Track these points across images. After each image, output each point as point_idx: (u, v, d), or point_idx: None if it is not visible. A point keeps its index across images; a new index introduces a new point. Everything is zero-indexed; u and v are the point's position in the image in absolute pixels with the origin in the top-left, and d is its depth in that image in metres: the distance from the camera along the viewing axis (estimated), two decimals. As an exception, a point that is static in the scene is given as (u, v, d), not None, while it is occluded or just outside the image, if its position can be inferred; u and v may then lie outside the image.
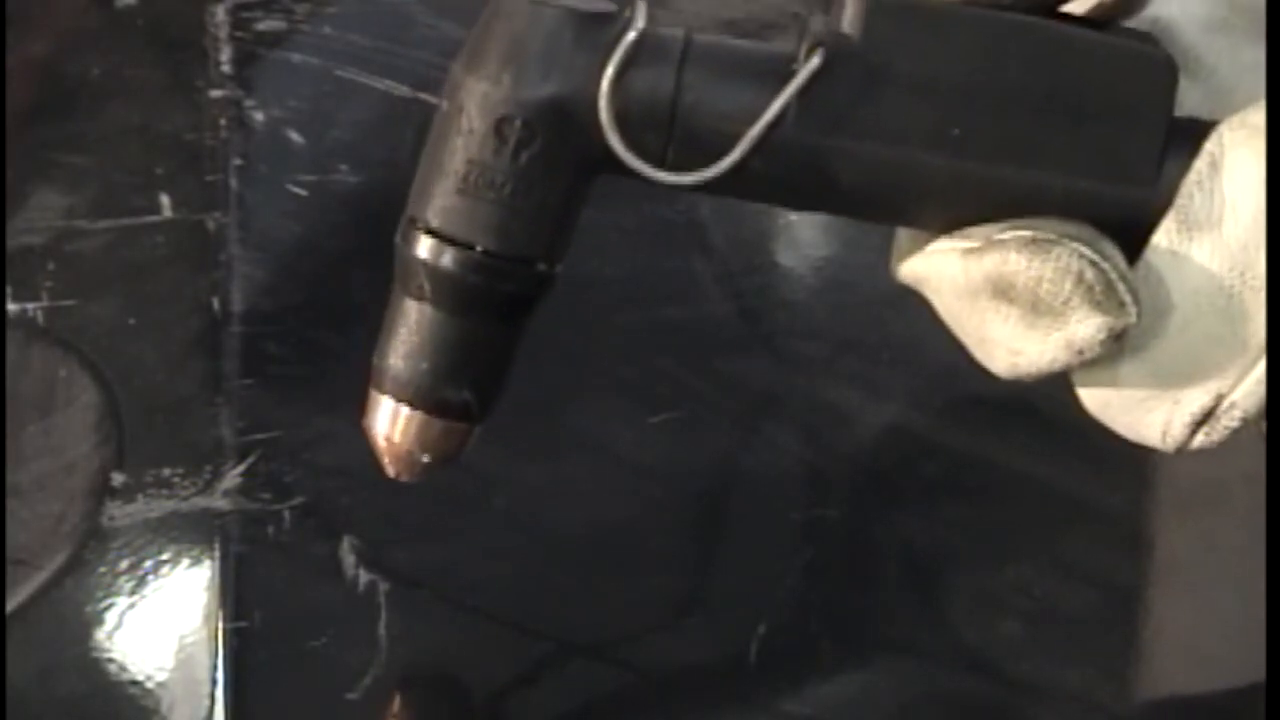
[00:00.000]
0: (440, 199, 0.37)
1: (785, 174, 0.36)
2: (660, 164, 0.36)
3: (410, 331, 0.38)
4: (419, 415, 0.39)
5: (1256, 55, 0.37)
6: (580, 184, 0.37)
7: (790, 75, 0.35)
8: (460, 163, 0.37)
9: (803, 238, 0.57)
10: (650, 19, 0.36)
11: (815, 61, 0.35)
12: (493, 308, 0.38)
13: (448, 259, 0.37)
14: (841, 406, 0.52)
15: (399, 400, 0.39)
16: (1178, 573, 0.48)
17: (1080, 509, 0.49)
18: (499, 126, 0.36)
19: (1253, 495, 0.48)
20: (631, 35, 0.36)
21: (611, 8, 0.37)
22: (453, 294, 0.37)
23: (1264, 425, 0.36)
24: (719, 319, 0.54)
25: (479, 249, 0.37)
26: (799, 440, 0.51)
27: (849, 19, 0.35)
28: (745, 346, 0.54)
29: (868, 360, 0.53)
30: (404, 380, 0.38)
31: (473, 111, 0.36)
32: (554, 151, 0.36)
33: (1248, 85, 0.37)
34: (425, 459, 0.39)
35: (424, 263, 0.37)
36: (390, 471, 0.40)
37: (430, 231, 0.37)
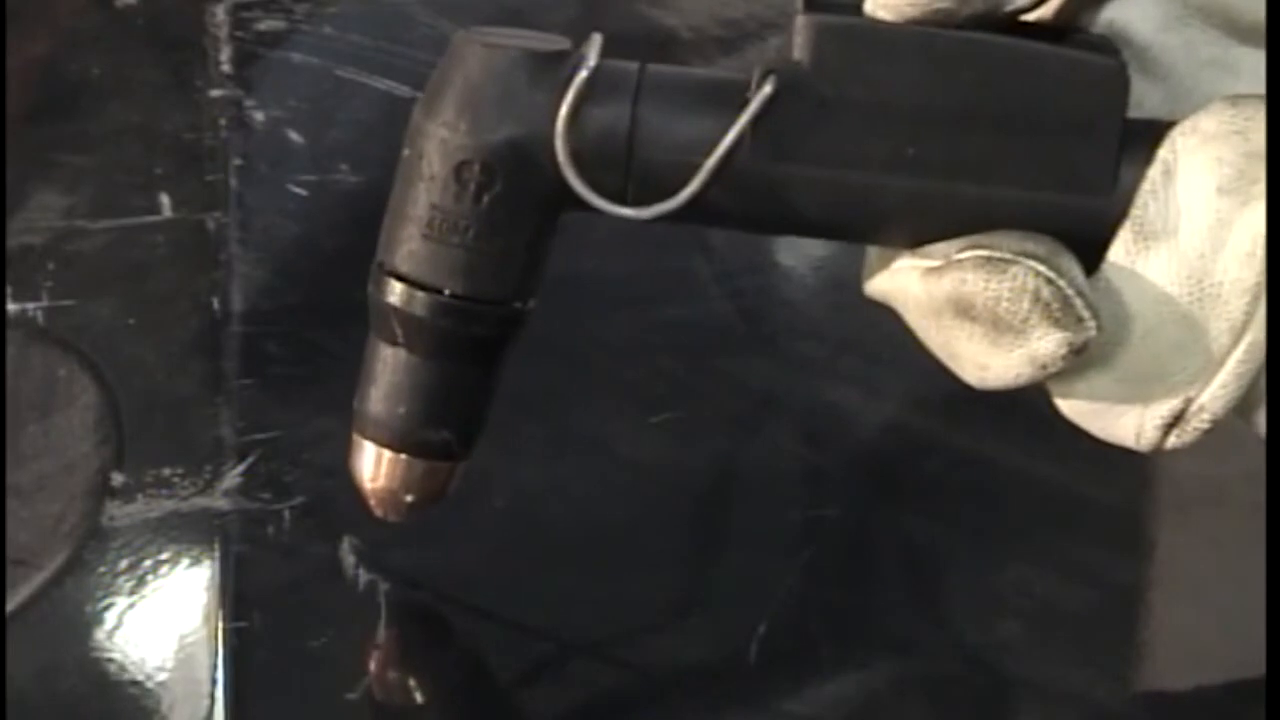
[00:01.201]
0: (407, 245, 0.37)
1: (745, 202, 0.36)
2: (620, 199, 0.36)
3: (386, 376, 0.39)
4: (401, 458, 0.39)
5: (1213, 52, 0.37)
6: (544, 223, 0.38)
7: (744, 104, 0.35)
8: (423, 208, 0.37)
9: (803, 238, 0.57)
10: (610, 51, 0.36)
11: (767, 89, 0.35)
12: (465, 349, 0.38)
13: (417, 304, 0.37)
14: (841, 406, 0.52)
15: (380, 444, 0.39)
16: (1178, 572, 0.48)
17: (1080, 508, 0.49)
18: (459, 171, 0.36)
19: (1253, 494, 0.48)
20: (584, 74, 0.36)
21: (566, 45, 0.37)
22: (425, 338, 0.38)
23: (1263, 424, 0.36)
24: (719, 319, 0.54)
25: (447, 293, 0.37)
26: (799, 440, 0.51)
27: (799, 45, 0.36)
28: (745, 346, 0.54)
29: (868, 360, 0.53)
30: (383, 424, 0.39)
31: (433, 157, 0.37)
32: (515, 193, 0.37)
33: (1206, 83, 0.37)
34: (409, 499, 0.40)
35: (395, 308, 0.38)
36: (377, 513, 0.40)
37: (399, 277, 0.37)
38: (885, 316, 0.39)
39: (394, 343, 0.38)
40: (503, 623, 0.44)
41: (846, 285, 0.55)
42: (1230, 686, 0.45)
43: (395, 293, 0.37)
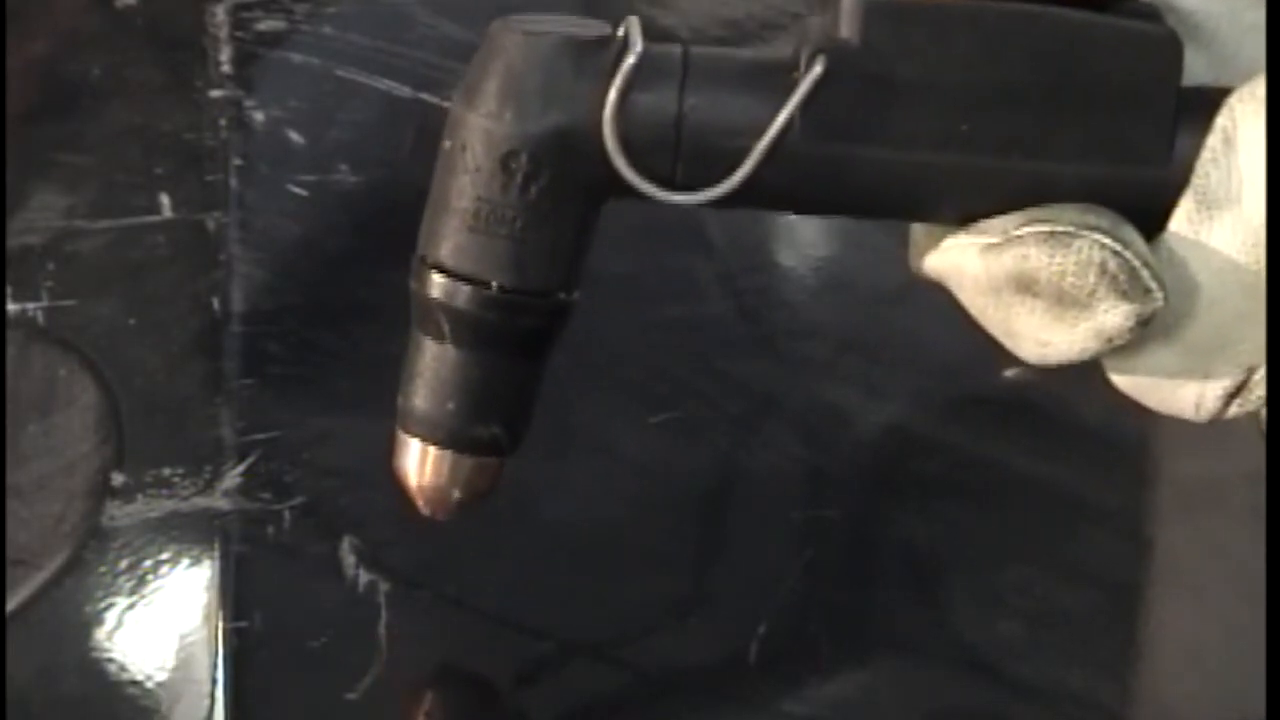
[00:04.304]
0: (451, 238, 0.37)
1: (795, 184, 0.36)
2: (669, 185, 0.36)
3: (432, 372, 0.38)
4: (449, 455, 0.39)
5: (1256, 17, 0.37)
6: (591, 211, 0.37)
7: (792, 85, 0.35)
8: (469, 200, 0.36)
9: (803, 238, 0.57)
10: (647, 37, 0.36)
11: (817, 69, 0.35)
12: (513, 342, 0.38)
13: (463, 298, 0.37)
14: (841, 406, 0.52)
15: (427, 441, 0.39)
16: (1178, 573, 0.48)
17: (1080, 509, 0.49)
18: (505, 162, 0.36)
19: (1253, 495, 0.48)
20: (631, 59, 0.36)
21: (607, 29, 0.37)
22: (471, 332, 0.37)
23: (1264, 423, 0.36)
24: (719, 319, 0.54)
25: (494, 286, 0.37)
26: (799, 440, 0.50)
27: (846, 23, 0.35)
28: (745, 346, 0.54)
29: (868, 360, 0.53)
30: (431, 421, 0.38)
31: (477, 149, 0.36)
32: (562, 182, 0.36)
33: (1250, 48, 0.37)
34: (458, 496, 0.39)
35: (439, 303, 0.37)
36: (425, 511, 0.40)
37: (443, 271, 0.37)
38: (885, 316, 0.39)
39: (439, 338, 0.38)
40: (503, 623, 0.44)
41: (846, 285, 0.56)
42: (1230, 686, 0.45)
43: (440, 287, 0.37)
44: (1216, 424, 0.36)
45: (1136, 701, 0.45)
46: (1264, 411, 0.36)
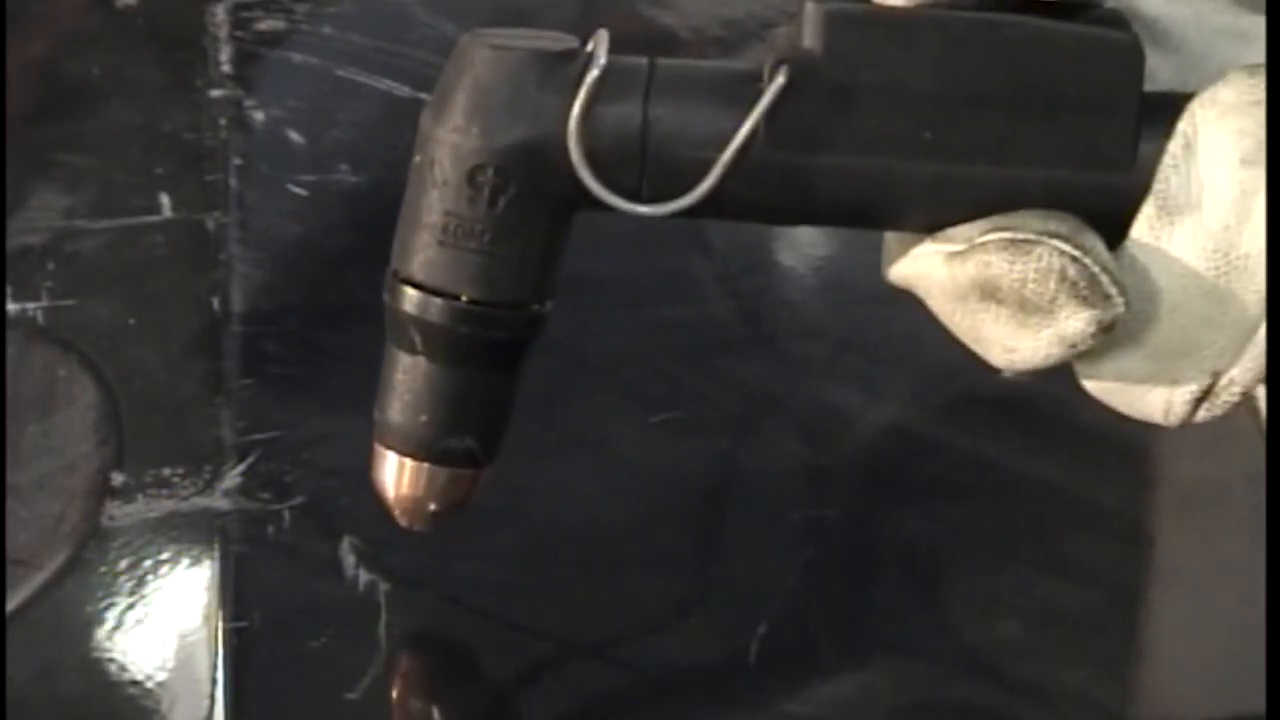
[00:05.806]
0: (422, 252, 0.37)
1: (762, 194, 0.36)
2: (636, 197, 0.36)
3: (406, 385, 0.38)
4: (424, 467, 0.39)
5: (1224, 21, 0.37)
6: (560, 223, 0.37)
7: (757, 95, 0.35)
8: (438, 215, 0.37)
9: (803, 238, 0.57)
10: (612, 51, 0.36)
11: (780, 80, 0.35)
12: (485, 355, 0.38)
13: (435, 312, 0.37)
14: (841, 406, 0.52)
15: (402, 454, 0.39)
16: (1178, 573, 0.48)
17: (1080, 509, 0.49)
18: (472, 176, 0.36)
19: (1253, 494, 0.48)
20: (595, 73, 0.36)
21: (574, 43, 0.37)
22: (444, 346, 0.38)
23: (1264, 423, 0.36)
24: (719, 319, 0.54)
25: (465, 299, 0.37)
26: (799, 440, 0.51)
27: (810, 33, 0.35)
28: (745, 346, 0.54)
29: (868, 360, 0.53)
30: (405, 434, 0.39)
31: (445, 163, 0.36)
32: (530, 195, 0.36)
33: (1219, 52, 0.37)
34: (434, 508, 0.39)
35: (412, 317, 0.37)
36: (402, 523, 0.40)
37: (415, 285, 0.37)
38: (885, 316, 0.39)
39: (412, 351, 0.38)
40: (503, 623, 0.44)
41: (846, 285, 0.56)
42: (1230, 687, 0.45)
43: (412, 301, 0.37)
44: (1187, 428, 0.36)
45: (1136, 701, 0.45)
46: (1264, 411, 0.36)
